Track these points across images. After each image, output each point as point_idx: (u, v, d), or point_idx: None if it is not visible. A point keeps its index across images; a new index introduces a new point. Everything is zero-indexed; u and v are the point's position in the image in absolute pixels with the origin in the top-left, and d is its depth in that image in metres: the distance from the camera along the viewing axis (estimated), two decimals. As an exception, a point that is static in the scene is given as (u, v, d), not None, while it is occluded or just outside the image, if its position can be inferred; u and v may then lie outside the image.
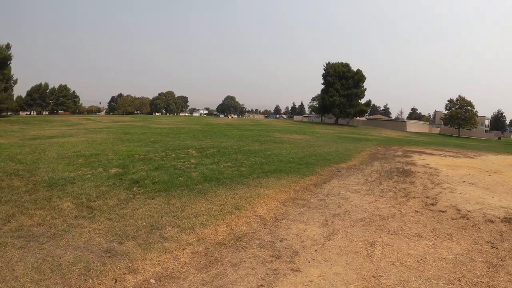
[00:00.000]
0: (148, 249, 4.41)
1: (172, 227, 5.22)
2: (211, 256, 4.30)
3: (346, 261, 4.31)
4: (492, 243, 5.13)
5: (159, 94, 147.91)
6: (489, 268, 4.25)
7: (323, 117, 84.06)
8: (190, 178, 8.41)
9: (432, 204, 7.17)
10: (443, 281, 3.86)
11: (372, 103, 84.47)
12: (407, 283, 3.81)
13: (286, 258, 4.33)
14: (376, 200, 7.31)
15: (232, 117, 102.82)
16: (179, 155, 11.68)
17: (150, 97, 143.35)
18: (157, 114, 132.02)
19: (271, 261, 4.23)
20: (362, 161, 13.25)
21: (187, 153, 12.28)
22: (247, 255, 4.38)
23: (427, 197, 7.75)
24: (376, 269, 4.12)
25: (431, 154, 18.10)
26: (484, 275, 4.05)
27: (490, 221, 6.27)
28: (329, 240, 4.93)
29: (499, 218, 6.52)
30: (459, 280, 3.89)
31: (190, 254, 4.34)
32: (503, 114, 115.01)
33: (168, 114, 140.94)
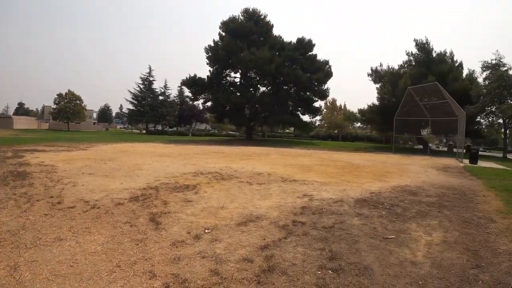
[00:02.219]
0: None
1: None
2: None
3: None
4: (130, 222, 5.65)
5: None
6: (137, 244, 4.67)
7: None
8: None
9: (59, 203, 6.99)
10: (106, 273, 3.86)
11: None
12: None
13: None
14: (-5, 214, 6.32)
15: None
16: None
17: None
18: None
19: None
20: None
21: None
22: None
23: (51, 197, 7.48)
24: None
25: (44, 151, 17.78)
26: (138, 252, 4.41)
27: (120, 204, 6.88)
28: None
29: (126, 199, 7.30)
30: (119, 266, 4.03)
31: None
32: (110, 107, 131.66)
33: None
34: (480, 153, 28.99)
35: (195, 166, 13.53)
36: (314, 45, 48.63)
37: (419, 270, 4.24)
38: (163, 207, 6.74)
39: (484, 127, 40.01)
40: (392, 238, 5.41)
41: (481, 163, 23.54)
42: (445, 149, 52.38)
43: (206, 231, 5.31)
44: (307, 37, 49.11)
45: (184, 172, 11.54)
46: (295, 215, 6.46)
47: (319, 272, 3.99)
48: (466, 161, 24.80)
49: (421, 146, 48.40)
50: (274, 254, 4.43)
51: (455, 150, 37.40)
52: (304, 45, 47.95)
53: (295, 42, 48.23)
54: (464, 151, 29.71)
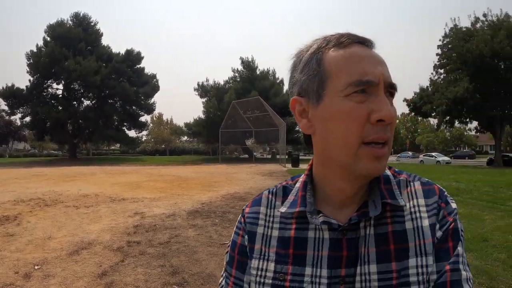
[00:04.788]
0: None
1: None
2: None
3: None
4: None
5: None
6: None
7: None
8: None
9: None
10: None
11: None
12: None
13: None
14: None
15: None
16: None
17: None
18: None
19: None
20: None
21: None
22: None
23: None
24: None
25: None
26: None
27: None
28: None
29: None
30: None
31: None
32: None
33: None
34: (300, 157, 32.80)
35: (15, 193, 12.11)
36: (142, 57, 48.37)
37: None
38: (-20, 246, 5.94)
39: (302, 135, 45.64)
40: (228, 243, 5.87)
41: (302, 166, 26.82)
42: (269, 156, 57.53)
43: (36, 267, 4.89)
44: (136, 49, 48.27)
45: (2, 201, 10.22)
46: (129, 236, 6.38)
47: (164, 289, 4.12)
48: (289, 165, 27.90)
49: (246, 155, 52.14)
50: (114, 280, 4.33)
51: (278, 156, 41.33)
52: (133, 57, 47.20)
53: (123, 53, 46.96)
54: (286, 157, 33.24)
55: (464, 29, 30.83)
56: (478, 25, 30.58)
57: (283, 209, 0.76)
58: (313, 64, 0.69)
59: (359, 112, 0.64)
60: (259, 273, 0.74)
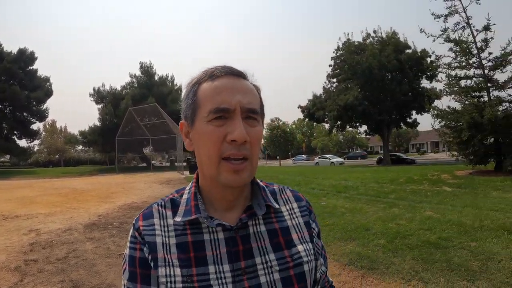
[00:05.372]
0: None
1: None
2: None
3: None
4: None
5: None
6: None
7: None
8: None
9: None
10: None
11: None
12: None
13: None
14: None
15: None
16: None
17: None
18: None
19: None
20: None
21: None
22: None
23: None
24: None
25: None
26: None
27: None
28: None
29: None
30: None
31: None
32: None
33: None
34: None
35: None
36: (36, 58, 44.48)
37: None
38: None
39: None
40: (124, 261, 6.02)
41: (201, 173, 27.03)
42: (168, 164, 56.68)
43: None
44: (30, 48, 44.25)
45: None
46: (25, 254, 6.21)
47: (66, 304, 4.19)
48: (187, 172, 28.06)
49: (145, 164, 50.92)
50: (14, 301, 4.31)
51: (176, 164, 41.08)
52: (25, 58, 43.07)
53: (16, 52, 42.53)
54: (185, 164, 33.30)
55: (356, 43, 33.68)
56: (368, 40, 33.62)
57: (178, 218, 0.82)
58: (191, 95, 0.82)
59: (217, 134, 0.75)
60: (168, 279, 0.77)
